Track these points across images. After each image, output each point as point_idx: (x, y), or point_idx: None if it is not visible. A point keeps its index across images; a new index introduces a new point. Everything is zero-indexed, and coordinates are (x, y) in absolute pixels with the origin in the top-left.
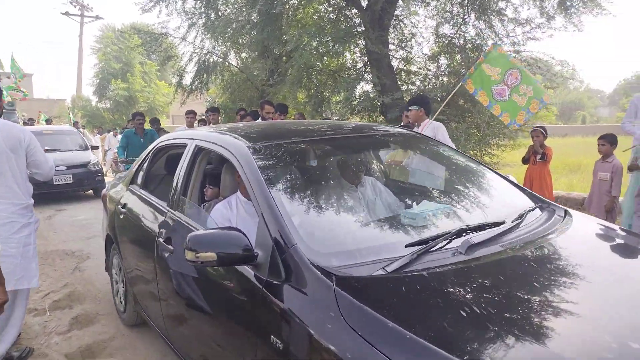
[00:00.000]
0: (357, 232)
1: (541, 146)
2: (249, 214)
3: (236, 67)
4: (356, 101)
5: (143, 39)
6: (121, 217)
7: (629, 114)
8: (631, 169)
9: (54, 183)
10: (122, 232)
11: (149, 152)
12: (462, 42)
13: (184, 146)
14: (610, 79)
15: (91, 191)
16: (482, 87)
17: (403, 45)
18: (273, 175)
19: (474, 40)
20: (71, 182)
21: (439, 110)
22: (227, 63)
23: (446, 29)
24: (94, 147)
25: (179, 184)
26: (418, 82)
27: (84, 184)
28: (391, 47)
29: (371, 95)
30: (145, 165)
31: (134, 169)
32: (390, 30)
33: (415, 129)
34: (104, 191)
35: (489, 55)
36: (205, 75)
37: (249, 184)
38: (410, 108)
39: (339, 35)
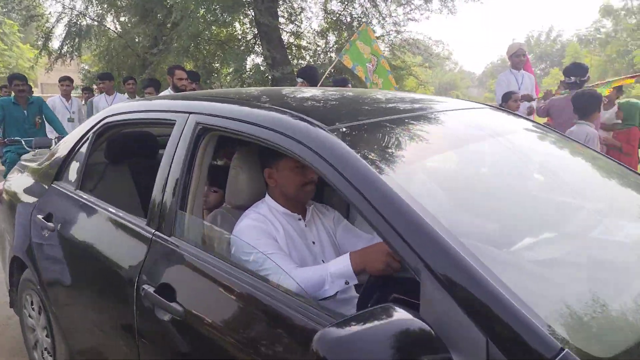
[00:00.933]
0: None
1: None
2: (298, 232)
3: (114, 31)
4: (246, 74)
5: None
6: (45, 235)
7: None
8: None
9: None
10: (49, 259)
11: (88, 132)
12: (349, 19)
13: (167, 124)
14: (479, 62)
15: None
16: (359, 63)
17: (293, 19)
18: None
19: (360, 18)
20: None
21: (321, 83)
22: (103, 27)
23: (334, 6)
24: None
25: (169, 189)
26: (308, 57)
27: None
28: (281, 20)
29: (261, 68)
30: (82, 152)
31: (58, 157)
32: (280, 2)
33: None
34: None
35: (362, 33)
36: (77, 40)
37: (358, 195)
38: (297, 80)
39: (227, 4)
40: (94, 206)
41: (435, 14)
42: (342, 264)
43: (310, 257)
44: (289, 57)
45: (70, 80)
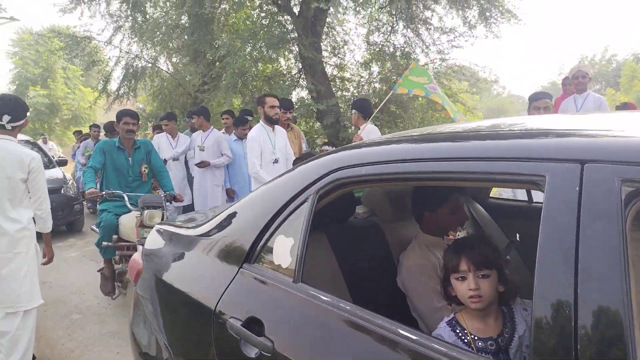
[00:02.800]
0: None
1: None
2: None
3: (167, 72)
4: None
5: (64, 42)
6: (253, 355)
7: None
8: None
9: None
10: None
11: (303, 191)
12: (391, 49)
13: (485, 179)
14: (529, 86)
15: (64, 227)
16: (414, 87)
17: (336, 52)
18: None
19: (402, 48)
20: None
21: (372, 116)
22: (157, 68)
23: (376, 37)
24: (62, 162)
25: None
26: (352, 89)
27: (58, 217)
28: (325, 53)
29: (307, 101)
30: (296, 220)
31: (242, 226)
32: (323, 37)
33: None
34: (137, 258)
35: (413, 70)
36: (133, 81)
37: None
38: (352, 112)
39: (272, 42)
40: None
41: (480, 40)
42: None
43: None
44: (333, 89)
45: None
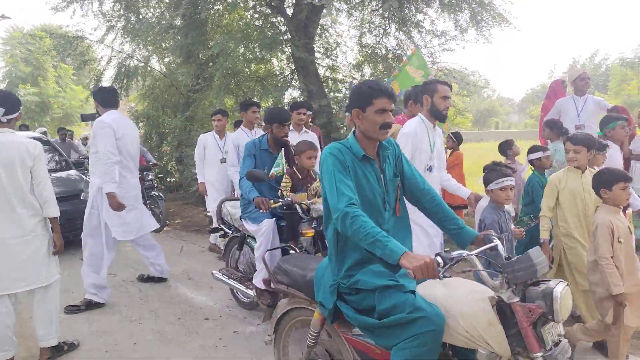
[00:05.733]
0: None
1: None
2: None
3: (159, 72)
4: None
5: (56, 42)
6: None
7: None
8: None
9: None
10: None
11: None
12: (384, 52)
13: None
14: (518, 89)
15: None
16: (407, 86)
17: (329, 54)
18: None
19: (395, 50)
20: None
21: None
22: (149, 68)
23: (369, 39)
24: (78, 164)
25: None
26: (344, 90)
27: (76, 226)
28: (317, 55)
29: (299, 101)
30: None
31: None
32: (316, 38)
33: None
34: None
35: (412, 57)
36: (125, 80)
37: None
38: (345, 114)
39: (265, 42)
40: None
41: (471, 43)
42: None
43: None
44: (325, 90)
45: (224, 113)
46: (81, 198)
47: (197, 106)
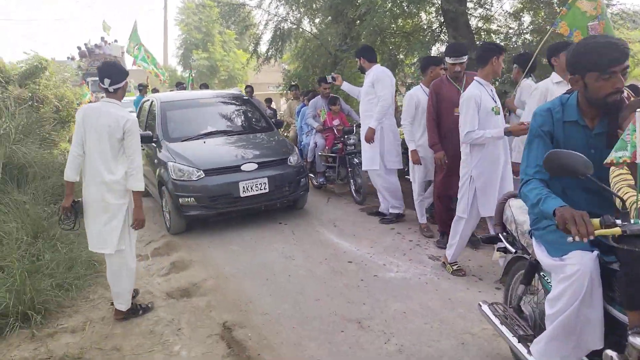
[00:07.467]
0: None
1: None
2: None
3: (310, 33)
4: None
5: (222, 10)
6: None
7: None
8: None
9: (241, 195)
10: None
11: None
12: None
13: None
14: None
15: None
16: (577, 26)
17: (482, 3)
18: None
19: None
20: (266, 190)
21: (525, 71)
22: (301, 29)
23: None
24: (278, 124)
25: None
26: (499, 41)
27: (284, 193)
28: (469, 5)
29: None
30: None
31: None
32: None
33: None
34: None
35: None
36: (280, 42)
37: None
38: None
39: None
40: None
41: None
42: None
43: None
44: (477, 42)
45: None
46: (288, 163)
47: (345, 65)
